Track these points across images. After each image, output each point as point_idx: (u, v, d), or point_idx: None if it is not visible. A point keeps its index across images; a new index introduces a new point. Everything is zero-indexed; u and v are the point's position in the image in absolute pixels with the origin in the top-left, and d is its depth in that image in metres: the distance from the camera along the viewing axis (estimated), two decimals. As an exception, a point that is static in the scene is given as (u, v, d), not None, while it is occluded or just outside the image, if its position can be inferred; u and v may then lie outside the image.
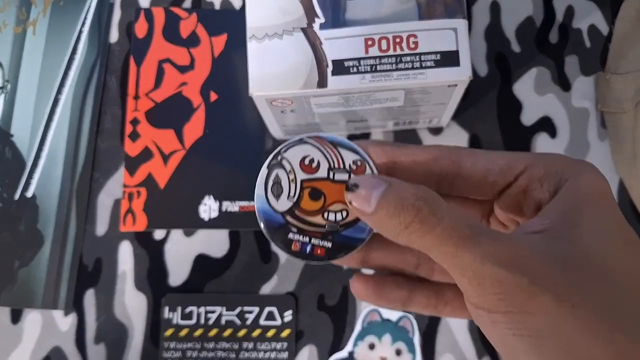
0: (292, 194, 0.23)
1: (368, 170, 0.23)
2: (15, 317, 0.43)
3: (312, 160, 0.23)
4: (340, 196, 0.23)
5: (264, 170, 0.23)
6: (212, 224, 0.44)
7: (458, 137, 0.45)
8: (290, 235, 0.23)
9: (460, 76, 0.36)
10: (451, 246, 0.18)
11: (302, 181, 0.23)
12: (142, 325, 0.42)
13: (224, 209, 0.44)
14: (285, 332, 0.42)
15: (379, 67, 0.36)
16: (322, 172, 0.23)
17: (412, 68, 0.36)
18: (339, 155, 0.23)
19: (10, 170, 0.45)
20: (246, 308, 0.42)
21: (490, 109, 0.45)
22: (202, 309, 0.42)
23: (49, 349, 0.42)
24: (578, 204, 0.20)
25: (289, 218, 0.23)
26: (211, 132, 0.46)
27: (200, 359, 0.41)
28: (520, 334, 0.18)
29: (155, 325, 0.42)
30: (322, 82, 0.36)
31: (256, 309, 0.42)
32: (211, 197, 0.45)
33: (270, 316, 0.42)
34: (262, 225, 0.23)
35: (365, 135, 0.46)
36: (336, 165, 0.23)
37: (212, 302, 0.42)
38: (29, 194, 0.44)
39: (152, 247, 0.44)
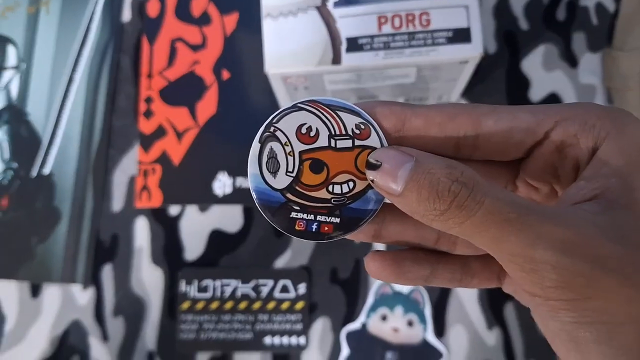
0: (290, 168, 0.20)
1: (374, 135, 0.20)
2: (35, 291, 0.44)
3: (309, 129, 0.20)
4: (344, 166, 0.20)
5: (255, 145, 0.20)
6: (226, 199, 0.45)
7: (467, 114, 0.46)
8: (293, 214, 0.20)
9: (471, 52, 0.37)
10: (495, 231, 0.16)
11: (300, 153, 0.20)
12: (159, 299, 0.44)
13: (237, 185, 0.45)
14: (299, 305, 0.43)
15: (392, 45, 0.37)
16: (323, 141, 0.20)
17: (425, 45, 0.37)
18: (339, 119, 0.20)
19: (26, 148, 0.46)
20: (261, 281, 0.43)
21: (498, 85, 0.46)
22: (217, 282, 0.43)
23: (69, 323, 0.43)
24: (629, 162, 0.17)
25: (289, 195, 0.20)
26: (224, 109, 0.46)
27: (216, 331, 0.43)
28: (587, 321, 0.16)
29: (171, 298, 0.44)
30: (336, 59, 0.37)
31: (270, 282, 0.43)
32: (225, 173, 0.45)
33: (285, 289, 0.43)
34: (259, 206, 0.20)
35: (375, 113, 0.46)
36: (337, 132, 0.20)
37: (228, 275, 0.43)
38: (46, 171, 0.45)
39: (167, 223, 0.45)
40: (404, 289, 0.43)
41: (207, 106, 0.47)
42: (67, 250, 0.44)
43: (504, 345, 0.42)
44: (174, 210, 0.45)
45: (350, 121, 0.20)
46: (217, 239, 0.45)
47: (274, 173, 0.20)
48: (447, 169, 0.17)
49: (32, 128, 0.46)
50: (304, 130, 0.20)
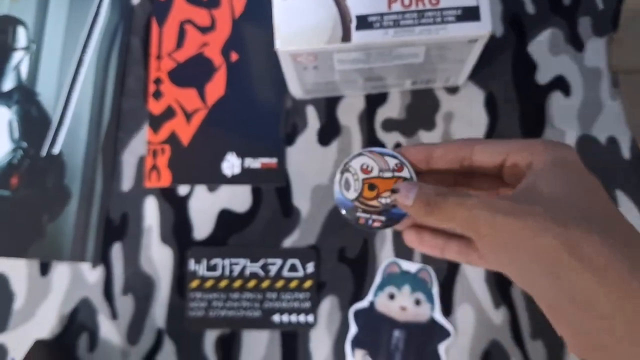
0: (356, 188, 0.35)
1: (405, 170, 0.34)
2: (44, 269, 0.44)
3: (368, 166, 0.35)
4: (387, 187, 0.35)
5: (338, 175, 0.35)
6: (235, 180, 0.45)
7: (474, 96, 0.46)
8: (358, 214, 0.35)
9: (480, 30, 0.37)
10: (450, 212, 0.29)
11: (362, 179, 0.35)
12: (168, 277, 0.44)
13: (246, 165, 0.46)
14: (308, 283, 0.43)
15: (401, 22, 0.37)
16: (375, 173, 0.35)
17: (434, 23, 0.37)
18: (385, 161, 0.35)
19: (36, 128, 0.46)
20: (269, 260, 0.44)
21: (505, 68, 0.46)
22: (226, 261, 0.44)
23: (78, 300, 0.44)
24: (542, 172, 0.29)
25: (356, 203, 0.35)
26: (232, 91, 0.47)
27: (225, 309, 0.43)
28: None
29: (181, 277, 0.44)
30: (346, 37, 0.37)
31: (279, 261, 0.44)
32: (234, 154, 0.46)
33: (293, 268, 0.44)
34: (341, 210, 0.34)
35: (382, 95, 0.47)
36: (383, 167, 0.35)
37: (236, 254, 0.44)
38: (56, 151, 0.45)
39: (176, 203, 0.45)
40: (412, 268, 0.43)
41: (216, 88, 0.47)
42: (77, 228, 0.44)
43: (511, 324, 0.43)
44: (183, 190, 0.45)
45: (392, 162, 0.35)
46: (226, 218, 0.45)
47: (347, 190, 0.35)
48: (433, 189, 0.30)
49: (42, 108, 0.46)
50: (364, 167, 0.35)
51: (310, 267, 0.44)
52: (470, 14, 0.37)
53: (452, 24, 0.37)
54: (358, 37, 0.37)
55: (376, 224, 0.35)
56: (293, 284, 0.43)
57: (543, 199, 0.28)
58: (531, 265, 0.27)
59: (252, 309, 0.43)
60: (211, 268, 0.44)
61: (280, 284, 0.43)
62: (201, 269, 0.44)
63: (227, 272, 0.43)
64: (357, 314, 0.42)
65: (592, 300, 0.26)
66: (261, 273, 0.43)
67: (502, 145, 0.31)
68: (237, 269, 0.43)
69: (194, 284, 0.43)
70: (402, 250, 0.44)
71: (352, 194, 0.36)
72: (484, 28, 0.37)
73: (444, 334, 0.42)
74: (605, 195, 0.29)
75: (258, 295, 0.43)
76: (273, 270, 0.44)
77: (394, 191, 0.33)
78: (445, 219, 0.30)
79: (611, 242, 0.26)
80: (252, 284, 0.43)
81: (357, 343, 0.42)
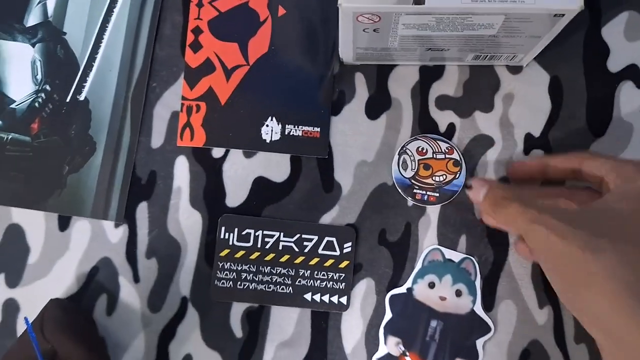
0: (413, 167, 0.41)
1: (455, 153, 0.40)
2: (63, 224, 0.41)
3: (423, 148, 0.41)
4: (441, 167, 0.41)
5: (396, 157, 0.41)
6: (274, 147, 0.42)
7: (538, 78, 0.42)
8: (415, 190, 0.41)
9: (571, 4, 0.33)
10: (516, 216, 0.33)
11: (418, 160, 0.41)
12: (196, 244, 0.41)
13: (287, 132, 0.42)
14: (344, 264, 0.41)
15: (484, -13, 0.33)
16: (429, 154, 0.41)
17: (521, -9, 0.33)
18: (438, 144, 0.41)
19: (62, 70, 0.42)
20: (305, 236, 0.41)
21: (575, 51, 0.43)
22: (259, 233, 0.41)
23: (98, 259, 0.41)
24: (625, 193, 0.32)
25: (412, 181, 0.41)
26: (277, 49, 0.43)
27: (255, 282, 0.40)
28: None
29: (209, 244, 0.41)
30: (420, -1, 0.34)
31: (315, 238, 0.41)
32: (274, 119, 0.42)
33: (330, 246, 0.41)
34: (398, 188, 0.40)
35: (439, 68, 0.43)
36: (436, 150, 0.41)
37: (270, 226, 0.41)
38: (81, 97, 0.42)
39: (209, 165, 0.42)
40: (455, 257, 0.40)
41: (260, 44, 0.43)
42: (101, 183, 0.41)
43: (554, 325, 0.40)
44: (217, 152, 0.42)
45: (443, 145, 0.41)
46: (262, 187, 0.42)
47: (405, 169, 0.40)
48: (502, 190, 0.35)
49: (69, 49, 0.42)
50: (420, 149, 0.41)
51: (348, 247, 0.41)
52: (562, -14, 0.33)
53: (540, -5, 0.33)
54: (433, 0, 0.33)
55: (431, 199, 0.41)
56: (328, 263, 0.41)
57: (614, 229, 0.30)
58: (580, 289, 0.30)
59: (283, 285, 0.40)
60: (243, 238, 0.41)
61: (314, 261, 0.41)
62: (232, 238, 0.41)
63: (259, 244, 0.41)
64: (394, 300, 0.40)
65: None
66: (295, 248, 0.41)
67: (607, 160, 0.35)
68: (270, 242, 0.41)
69: (224, 253, 0.41)
70: (446, 238, 0.41)
71: (409, 173, 0.41)
72: (576, 3, 0.33)
73: (483, 328, 0.40)
74: None
75: (290, 271, 0.41)
76: (308, 246, 0.41)
77: (467, 186, 0.38)
78: (506, 222, 0.35)
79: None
80: (284, 258, 0.41)
81: (391, 330, 0.40)
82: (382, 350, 0.40)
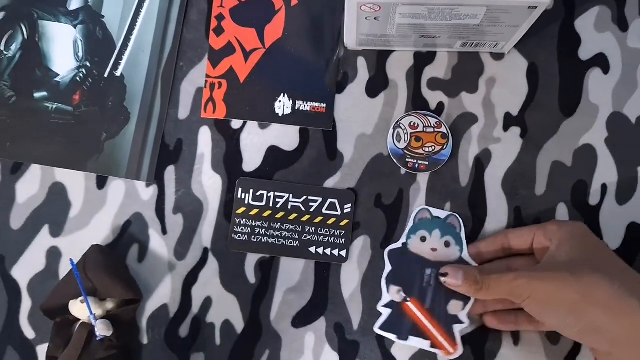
0: (406, 139, 0.46)
1: (443, 127, 0.46)
2: (101, 183, 0.47)
3: (414, 123, 0.46)
4: (430, 139, 0.46)
5: (390, 130, 0.46)
6: (285, 119, 0.48)
7: (517, 64, 0.48)
8: (407, 159, 0.46)
9: (542, -1, 0.39)
10: (495, 289, 0.41)
11: (410, 133, 0.46)
12: (217, 202, 0.47)
13: (297, 107, 0.48)
14: (344, 222, 0.47)
15: (469, -18, 0.39)
16: (420, 128, 0.46)
17: (500, -14, 0.39)
18: (428, 120, 0.46)
19: (100, 49, 0.48)
20: (311, 197, 0.47)
21: (551, 40, 0.49)
22: (271, 194, 0.47)
23: (131, 214, 0.47)
24: (560, 245, 0.41)
25: (405, 151, 0.46)
26: (290, 34, 0.49)
27: (267, 236, 0.46)
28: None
29: (228, 203, 0.47)
30: (415, -9, 0.39)
31: (320, 199, 0.47)
32: (286, 95, 0.48)
33: (332, 207, 0.47)
34: (392, 157, 0.46)
35: (431, 54, 0.49)
36: (426, 124, 0.46)
37: (281, 189, 0.47)
38: (118, 73, 0.48)
39: (229, 135, 0.48)
40: (441, 214, 0.46)
41: (275, 30, 0.49)
42: (134, 148, 0.47)
43: (526, 278, 0.46)
44: (236, 123, 0.48)
45: (433, 120, 0.47)
46: (274, 154, 0.48)
47: (399, 141, 0.46)
48: (475, 271, 0.42)
49: (107, 30, 0.48)
50: (412, 124, 0.46)
51: (348, 208, 0.47)
52: (534, -17, 0.39)
53: (516, -10, 0.39)
54: (426, -7, 0.39)
55: (422, 167, 0.47)
56: (330, 221, 0.47)
57: (564, 264, 0.39)
58: (562, 311, 0.38)
59: (291, 239, 0.46)
60: (257, 198, 0.47)
61: (318, 219, 0.47)
62: (248, 198, 0.47)
63: (271, 204, 0.47)
64: (391, 254, 0.46)
65: (609, 331, 0.37)
66: (302, 208, 0.47)
67: (528, 230, 0.44)
68: (280, 202, 0.47)
69: (240, 210, 0.47)
70: (433, 201, 0.47)
71: (402, 144, 0.47)
72: (546, -3, 0.39)
73: None
74: (611, 253, 0.40)
75: (297, 227, 0.47)
76: (314, 206, 0.47)
77: (442, 274, 0.43)
78: (492, 293, 0.40)
79: (617, 286, 0.36)
80: (293, 217, 0.47)
81: (392, 280, 0.46)
82: (386, 298, 0.45)
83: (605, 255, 0.40)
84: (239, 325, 0.46)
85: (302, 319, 0.46)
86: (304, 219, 0.47)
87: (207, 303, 0.46)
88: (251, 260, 0.47)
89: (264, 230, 0.47)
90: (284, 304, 0.46)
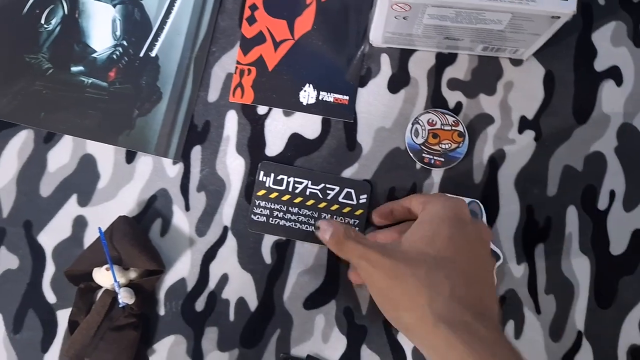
0: (423, 135, 0.48)
1: (460, 126, 0.48)
2: (130, 158, 0.49)
3: (432, 120, 0.48)
4: (447, 137, 0.48)
5: (409, 126, 0.49)
6: (309, 109, 0.50)
7: (535, 71, 0.50)
8: (424, 155, 0.48)
9: (565, 9, 0.41)
10: (349, 250, 0.40)
11: (428, 130, 0.48)
12: (239, 183, 0.49)
13: (320, 97, 0.50)
14: (359, 212, 0.49)
15: (497, -12, 0.41)
16: (438, 126, 0.49)
17: (526, -6, 0.41)
18: (446, 118, 0.49)
19: (137, 30, 0.50)
20: (328, 185, 0.49)
21: (568, 50, 0.51)
22: (291, 179, 0.49)
23: (157, 189, 0.49)
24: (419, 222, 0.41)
25: (422, 147, 0.48)
26: (318, 28, 0.51)
27: (284, 220, 0.48)
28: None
29: (249, 185, 0.49)
30: (445, -7, 0.42)
31: (337, 188, 0.49)
32: (311, 85, 0.50)
33: (348, 196, 0.49)
34: (409, 152, 0.48)
35: (452, 55, 0.51)
36: (444, 122, 0.48)
37: (301, 175, 0.49)
38: (153, 53, 0.50)
39: (254, 119, 0.50)
40: (465, 200, 0.48)
41: (305, 22, 0.51)
42: (164, 127, 0.49)
43: (529, 279, 0.48)
44: (261, 109, 0.50)
45: (450, 119, 0.49)
46: (296, 141, 0.50)
47: (416, 137, 0.48)
48: (342, 231, 0.41)
49: (145, 12, 0.50)
50: (430, 121, 0.49)
51: (363, 199, 0.49)
52: (558, -7, 0.41)
53: (541, -1, 0.41)
54: (455, -5, 0.41)
55: (437, 163, 0.48)
56: (346, 210, 0.49)
57: (415, 252, 0.39)
58: (395, 308, 0.38)
59: (307, 224, 0.48)
60: (277, 182, 0.49)
61: (334, 207, 0.49)
62: (268, 181, 0.49)
63: (290, 188, 0.49)
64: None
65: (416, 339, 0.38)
66: (320, 195, 0.49)
67: (403, 201, 0.45)
68: (299, 187, 0.49)
69: (260, 193, 0.49)
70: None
71: (419, 140, 0.49)
72: (569, 8, 0.41)
73: (494, 256, 0.47)
74: (446, 238, 0.39)
75: (314, 213, 0.49)
76: (331, 194, 0.49)
77: (315, 227, 0.42)
78: (345, 257, 0.41)
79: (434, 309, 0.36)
80: (310, 202, 0.49)
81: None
82: None
83: (440, 243, 0.39)
84: (252, 303, 0.48)
85: (313, 301, 0.48)
86: (321, 205, 0.49)
87: (224, 280, 0.48)
88: (268, 241, 0.48)
89: (282, 213, 0.48)
90: (297, 285, 0.48)
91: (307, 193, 0.49)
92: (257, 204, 0.49)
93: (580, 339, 0.47)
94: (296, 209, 0.49)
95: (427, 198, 0.43)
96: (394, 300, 0.38)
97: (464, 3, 0.41)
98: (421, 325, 0.36)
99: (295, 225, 0.48)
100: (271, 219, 0.48)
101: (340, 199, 0.49)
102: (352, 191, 0.49)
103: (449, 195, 0.45)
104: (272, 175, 0.49)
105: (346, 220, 0.49)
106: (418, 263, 0.37)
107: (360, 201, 0.49)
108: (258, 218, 0.48)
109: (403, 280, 0.37)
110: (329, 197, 0.49)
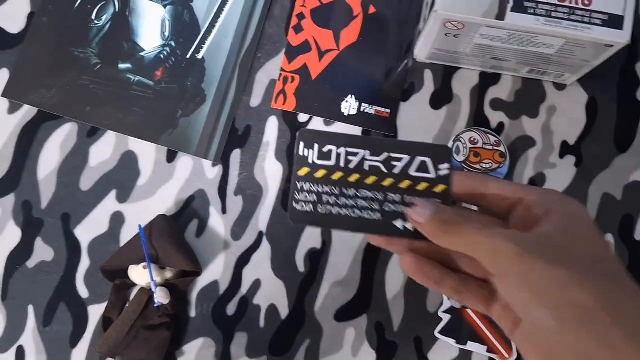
0: (465, 153, 0.49)
1: (502, 146, 0.48)
2: (171, 157, 0.50)
3: (474, 139, 0.49)
4: (488, 156, 0.48)
5: (451, 143, 0.49)
6: (350, 119, 0.50)
7: (578, 96, 0.50)
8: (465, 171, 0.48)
9: (620, 39, 0.41)
10: (468, 237, 0.28)
11: (469, 148, 0.48)
12: (276, 189, 0.49)
13: (362, 109, 0.50)
14: (439, 188, 0.33)
15: (553, 14, 0.41)
16: (479, 144, 0.49)
17: (582, 22, 0.41)
18: (488, 137, 0.49)
19: (186, 31, 0.50)
20: (394, 155, 0.34)
21: (612, 79, 0.51)
22: (342, 150, 0.34)
23: (195, 190, 0.49)
24: (557, 223, 0.29)
25: (463, 165, 0.49)
26: (364, 40, 0.51)
27: (337, 206, 0.34)
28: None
29: (287, 191, 0.49)
30: (500, 15, 0.42)
31: (406, 157, 0.34)
32: (353, 96, 0.50)
33: (422, 167, 0.34)
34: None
35: (496, 76, 0.51)
36: (486, 141, 0.48)
37: (355, 143, 0.34)
38: (199, 56, 0.50)
39: (295, 126, 0.50)
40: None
41: (350, 34, 0.51)
42: (206, 129, 0.49)
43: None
44: (302, 117, 0.50)
45: (492, 138, 0.49)
46: (336, 151, 0.50)
47: (458, 154, 0.49)
48: (453, 210, 0.30)
49: (194, 15, 0.51)
50: (472, 139, 0.49)
51: (445, 170, 0.33)
52: (615, 22, 0.41)
53: (597, 27, 0.41)
54: (511, 18, 0.41)
55: None
56: (422, 187, 0.34)
57: (568, 254, 0.28)
58: (565, 314, 0.26)
59: (370, 210, 0.34)
60: (324, 156, 0.34)
61: (405, 184, 0.34)
62: (312, 155, 0.34)
63: (342, 163, 0.34)
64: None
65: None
66: (383, 169, 0.34)
67: (518, 187, 0.31)
68: (354, 161, 0.34)
69: (303, 172, 0.34)
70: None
71: (460, 158, 0.49)
72: (624, 38, 0.41)
73: None
74: (606, 245, 0.30)
75: (378, 194, 0.34)
76: (398, 167, 0.34)
77: (407, 204, 0.31)
78: (463, 243, 0.28)
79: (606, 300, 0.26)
80: (371, 180, 0.34)
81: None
82: (447, 304, 0.47)
83: (602, 252, 0.29)
84: (284, 311, 0.48)
85: (344, 314, 0.48)
86: (386, 183, 0.34)
87: (256, 285, 0.48)
88: (302, 249, 0.48)
89: (334, 198, 0.34)
90: (329, 296, 0.48)
91: (366, 167, 0.34)
92: (299, 187, 0.34)
93: None
94: (352, 190, 0.34)
95: (550, 198, 0.31)
96: (541, 288, 0.26)
97: (520, 26, 0.42)
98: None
99: (354, 212, 0.34)
100: (319, 206, 0.34)
101: (412, 172, 0.34)
102: (428, 160, 0.34)
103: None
104: (317, 146, 0.34)
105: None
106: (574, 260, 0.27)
107: (440, 172, 0.33)
108: (302, 206, 0.34)
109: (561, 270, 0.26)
110: (395, 171, 0.34)
